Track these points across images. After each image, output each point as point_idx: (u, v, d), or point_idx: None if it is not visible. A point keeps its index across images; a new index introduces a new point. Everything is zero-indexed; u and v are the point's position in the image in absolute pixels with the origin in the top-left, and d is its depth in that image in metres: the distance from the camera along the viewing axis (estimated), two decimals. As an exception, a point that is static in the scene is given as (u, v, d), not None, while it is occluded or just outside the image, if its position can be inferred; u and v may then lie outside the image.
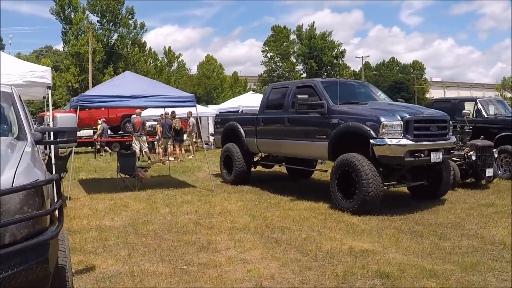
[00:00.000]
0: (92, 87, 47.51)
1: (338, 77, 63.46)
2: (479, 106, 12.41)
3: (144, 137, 17.80)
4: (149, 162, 15.65)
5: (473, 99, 12.78)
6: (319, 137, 8.53)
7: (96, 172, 14.67)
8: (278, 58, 65.93)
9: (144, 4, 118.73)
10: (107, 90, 10.17)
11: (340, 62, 64.95)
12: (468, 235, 6.26)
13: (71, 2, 50.50)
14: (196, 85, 62.22)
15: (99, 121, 22.06)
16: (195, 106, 10.69)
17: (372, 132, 7.48)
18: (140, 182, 10.85)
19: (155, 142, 20.25)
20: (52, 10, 50.74)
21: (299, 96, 8.60)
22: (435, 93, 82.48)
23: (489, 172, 9.97)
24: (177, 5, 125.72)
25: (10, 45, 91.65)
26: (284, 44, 65.62)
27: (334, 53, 63.32)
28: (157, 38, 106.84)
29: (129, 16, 53.10)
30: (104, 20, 51.91)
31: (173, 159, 17.58)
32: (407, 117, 7.50)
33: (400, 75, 70.61)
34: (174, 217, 7.54)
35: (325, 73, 59.18)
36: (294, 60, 66.37)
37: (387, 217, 7.36)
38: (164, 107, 13.29)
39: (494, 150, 10.43)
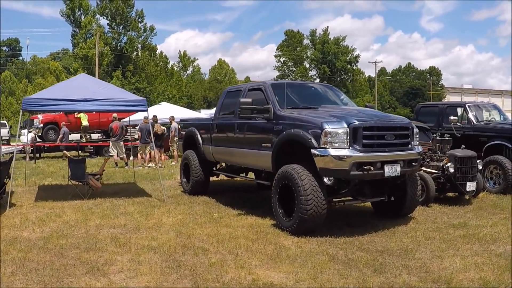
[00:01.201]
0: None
1: (349, 82, 62.11)
2: (468, 111, 11.14)
3: (122, 142, 17.04)
4: (108, 168, 14.88)
5: (462, 104, 11.49)
6: (264, 146, 7.51)
7: (64, 177, 13.91)
8: (291, 63, 64.89)
9: (165, 8, 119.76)
10: (53, 93, 9.58)
11: (354, 67, 63.40)
12: (412, 267, 5.12)
13: (81, 5, 50.62)
14: (207, 90, 61.75)
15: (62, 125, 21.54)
16: (146, 110, 9.98)
17: (313, 140, 6.40)
18: (91, 190, 10.19)
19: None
20: (62, 13, 50.96)
21: (241, 100, 7.66)
22: (453, 99, 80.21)
23: (470, 186, 8.74)
24: (198, 9, 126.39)
25: (28, 47, 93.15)
26: (298, 49, 64.55)
27: (347, 58, 61.84)
28: (177, 42, 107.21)
29: (139, 19, 52.81)
30: (114, 23, 51.79)
31: (153, 165, 16.78)
32: (355, 123, 6.37)
33: (416, 81, 68.63)
34: (98, 230, 6.94)
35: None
36: (307, 65, 65.15)
37: (329, 239, 6.29)
38: (113, 111, 12.60)
39: (479, 161, 9.19)
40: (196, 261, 5.37)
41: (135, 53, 53.00)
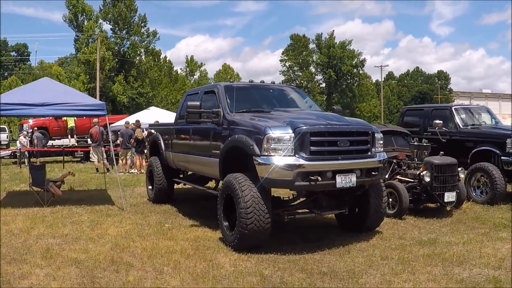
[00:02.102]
0: (101, 95, 47.26)
1: (355, 86, 61.17)
2: (454, 115, 10.30)
3: (102, 148, 16.49)
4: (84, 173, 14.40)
5: (447, 107, 10.65)
6: (214, 152, 6.89)
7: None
8: (297, 68, 64.16)
9: (175, 14, 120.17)
10: (10, 98, 9.12)
11: (361, 71, 62.42)
12: (350, 294, 4.38)
13: (84, 10, 50.53)
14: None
15: (33, 130, 21.08)
16: (105, 115, 9.46)
17: (255, 147, 5.73)
18: (53, 197, 9.77)
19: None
20: (65, 17, 50.92)
21: (189, 103, 7.03)
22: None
23: (449, 196, 7.93)
24: (208, 14, 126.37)
25: (36, 52, 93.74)
26: (303, 53, 63.80)
27: (353, 62, 60.91)
28: (187, 47, 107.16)
29: (142, 24, 52.53)
30: (117, 28, 51.61)
31: (135, 171, 16.20)
32: (302, 128, 5.67)
33: (424, 85, 67.33)
34: (37, 240, 6.57)
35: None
36: (313, 70, 64.36)
37: (273, 257, 5.60)
38: (70, 115, 12.14)
39: (460, 169, 8.38)
40: (114, 278, 4.93)
41: (138, 58, 52.63)
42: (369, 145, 6.23)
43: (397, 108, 67.75)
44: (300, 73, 64.07)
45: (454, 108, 10.40)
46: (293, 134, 5.60)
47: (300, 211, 6.64)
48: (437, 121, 10.03)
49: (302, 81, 63.62)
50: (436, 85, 68.35)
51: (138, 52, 52.98)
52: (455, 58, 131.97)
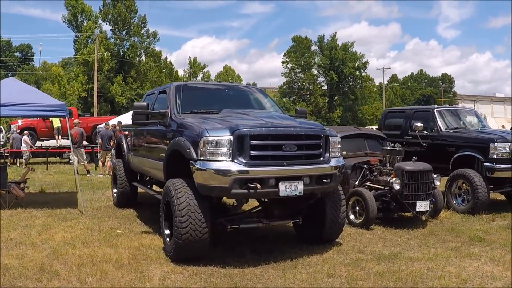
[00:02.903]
0: (99, 96, 46.93)
1: (357, 89, 60.41)
2: (436, 117, 9.66)
3: (82, 149, 16.07)
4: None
5: (429, 109, 10.01)
6: (161, 156, 6.40)
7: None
8: (299, 70, 63.51)
9: (182, 16, 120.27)
10: None
11: (363, 74, 61.64)
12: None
13: (83, 11, 50.27)
14: (212, 96, 60.93)
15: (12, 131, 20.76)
16: (65, 116, 9.23)
17: (192, 151, 5.25)
18: (15, 199, 9.44)
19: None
20: (64, 18, 50.68)
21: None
22: (467, 107, 77.48)
23: (422, 206, 7.31)
24: (215, 16, 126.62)
25: (40, 53, 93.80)
26: (305, 55, 63.15)
27: (356, 64, 60.15)
28: (193, 49, 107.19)
29: (142, 25, 52.20)
30: (116, 28, 51.32)
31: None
32: (242, 131, 5.15)
33: (428, 88, 66.38)
34: None
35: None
36: (315, 72, 63.66)
37: (209, 270, 5.15)
38: (30, 116, 11.87)
39: (436, 175, 7.76)
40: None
41: (137, 59, 52.28)
42: (321, 150, 5.66)
43: (400, 111, 66.87)
44: (302, 75, 63.34)
45: (437, 110, 9.76)
46: (231, 137, 5.10)
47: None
48: (418, 124, 9.44)
49: (304, 83, 62.91)
50: (440, 88, 67.34)
51: (138, 53, 52.60)
52: (461, 62, 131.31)
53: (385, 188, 7.48)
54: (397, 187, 7.20)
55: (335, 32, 63.35)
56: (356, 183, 7.90)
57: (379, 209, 7.45)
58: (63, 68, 58.21)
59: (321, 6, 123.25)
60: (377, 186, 7.65)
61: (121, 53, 51.78)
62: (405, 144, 10.06)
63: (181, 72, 72.33)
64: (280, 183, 5.16)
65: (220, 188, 5.04)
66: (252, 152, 5.11)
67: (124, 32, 51.85)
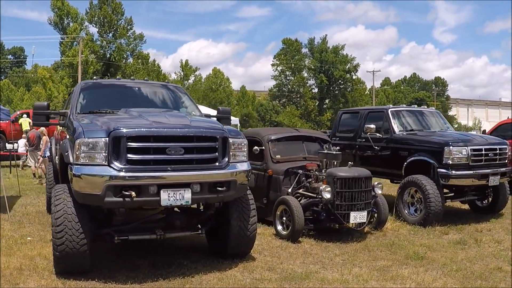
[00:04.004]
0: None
1: (348, 92, 59.58)
2: (390, 118, 8.76)
3: (39, 152, 15.25)
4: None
5: (383, 110, 9.09)
6: None
7: None
8: (289, 72, 62.72)
9: (179, 18, 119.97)
10: None
11: (354, 77, 60.82)
12: None
13: (69, 13, 49.48)
14: (201, 98, 60.14)
15: None
16: (8, 118, 9.40)
17: (70, 154, 4.82)
18: None
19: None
20: (50, 20, 49.88)
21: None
22: (462, 111, 76.83)
23: (357, 217, 6.41)
24: (212, 20, 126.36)
25: (33, 55, 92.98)
26: (296, 57, 62.34)
27: (347, 67, 59.34)
28: (189, 52, 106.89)
29: (128, 27, 51.45)
30: (103, 31, 50.55)
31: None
32: (118, 132, 4.59)
33: (421, 91, 65.55)
34: None
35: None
36: (306, 75, 62.89)
37: (83, 285, 4.68)
38: None
39: (376, 183, 6.89)
40: None
41: (124, 61, 51.48)
42: (216, 154, 4.91)
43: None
44: (292, 78, 62.54)
45: (391, 111, 8.86)
46: (106, 139, 4.53)
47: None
48: (370, 126, 8.58)
49: (294, 86, 62.11)
50: (432, 92, 66.52)
51: (124, 55, 51.84)
52: (457, 65, 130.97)
53: (318, 196, 6.58)
54: (327, 195, 6.30)
55: (326, 35, 62.75)
56: (290, 190, 7.00)
57: (310, 219, 6.56)
58: (55, 71, 57.45)
59: (318, 10, 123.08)
60: (309, 194, 6.75)
61: (107, 56, 50.99)
62: (358, 147, 9.24)
63: (173, 76, 71.78)
64: (161, 191, 4.49)
65: (93, 196, 4.50)
66: (129, 155, 4.54)
67: (110, 34, 51.08)
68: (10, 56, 77.03)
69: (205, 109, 24.84)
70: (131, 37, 51.92)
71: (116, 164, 4.48)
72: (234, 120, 22.55)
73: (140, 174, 4.54)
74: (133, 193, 4.42)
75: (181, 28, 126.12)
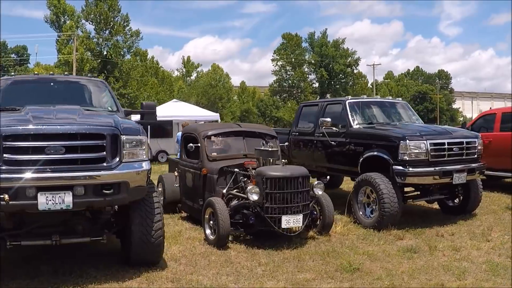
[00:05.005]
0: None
1: (349, 86, 58.65)
2: (347, 111, 8.06)
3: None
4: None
5: (341, 101, 8.38)
6: None
7: None
8: (290, 67, 61.92)
9: (184, 15, 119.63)
10: None
11: (355, 71, 59.84)
12: None
13: (65, 10, 49.13)
14: (200, 94, 59.59)
15: None
16: None
17: None
18: None
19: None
20: (46, 18, 49.58)
21: None
22: (467, 104, 75.54)
23: (290, 221, 5.75)
24: (218, 16, 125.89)
25: (37, 54, 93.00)
26: (296, 52, 61.50)
27: (347, 61, 58.37)
28: (196, 49, 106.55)
29: (124, 24, 50.95)
30: (99, 28, 50.12)
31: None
32: (13, 129, 4.25)
33: (424, 85, 64.34)
34: None
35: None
36: (306, 69, 62.04)
37: None
38: None
39: (316, 182, 6.23)
40: None
41: (120, 58, 51.01)
42: (104, 153, 4.37)
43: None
44: (293, 73, 61.73)
45: (348, 102, 8.16)
46: None
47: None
48: (326, 119, 7.91)
49: (295, 81, 61.31)
50: (436, 85, 65.26)
51: (121, 52, 51.38)
52: (464, 58, 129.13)
53: (245, 199, 5.92)
54: (254, 197, 5.66)
55: (326, 29, 61.74)
56: (224, 191, 6.36)
57: (240, 223, 5.91)
58: (57, 69, 57.20)
59: (323, 5, 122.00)
60: (241, 195, 6.10)
61: (104, 53, 50.55)
62: (315, 143, 8.56)
63: (176, 73, 71.29)
64: (39, 194, 4.14)
65: None
66: (5, 155, 4.17)
67: (107, 32, 50.61)
68: (13, 55, 77.04)
69: (204, 110, 24.08)
70: (128, 34, 51.45)
71: None
72: (215, 116, 21.74)
73: (16, 176, 4.12)
74: (6, 196, 4.02)
75: (187, 25, 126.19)
